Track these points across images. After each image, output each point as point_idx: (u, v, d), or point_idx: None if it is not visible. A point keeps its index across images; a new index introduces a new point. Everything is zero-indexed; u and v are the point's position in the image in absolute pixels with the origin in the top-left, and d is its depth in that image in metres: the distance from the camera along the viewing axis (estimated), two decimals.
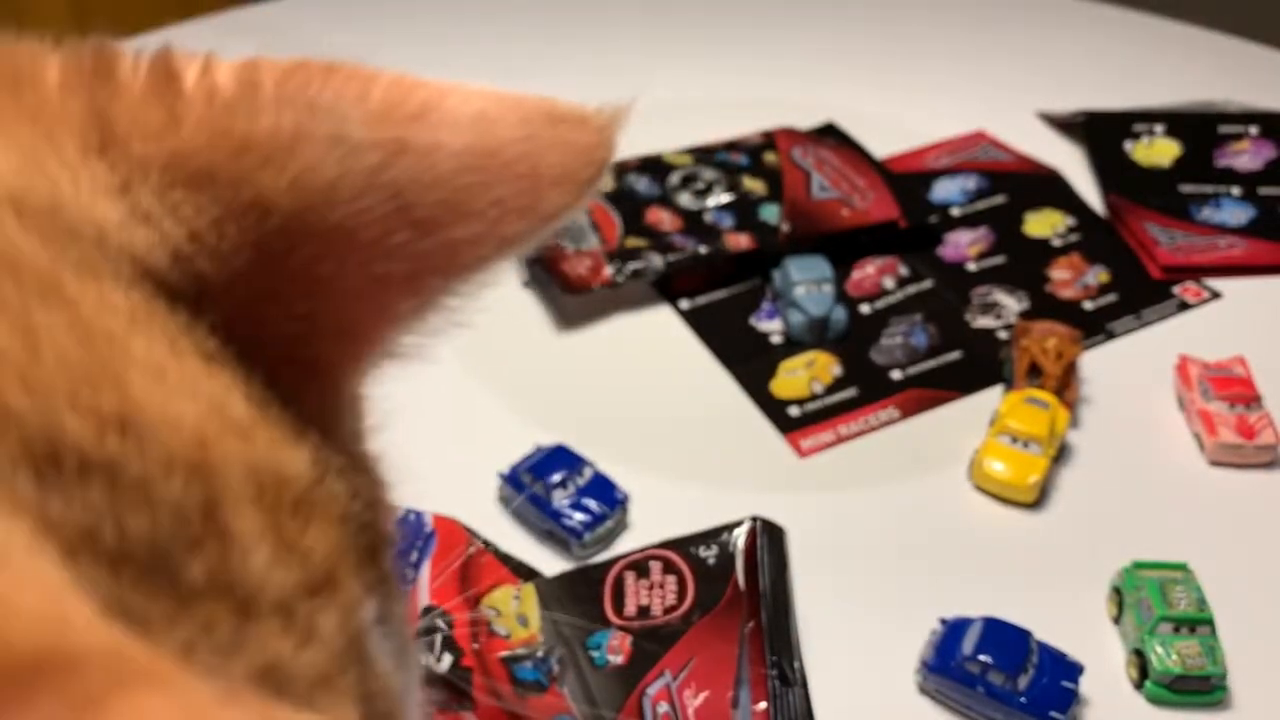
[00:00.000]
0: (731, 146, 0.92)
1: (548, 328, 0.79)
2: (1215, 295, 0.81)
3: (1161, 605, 0.56)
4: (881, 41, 1.13)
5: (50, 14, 1.58)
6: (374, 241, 0.23)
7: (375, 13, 1.18)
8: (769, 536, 0.60)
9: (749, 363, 0.76)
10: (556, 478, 0.64)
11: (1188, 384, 0.71)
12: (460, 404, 0.73)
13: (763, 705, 0.53)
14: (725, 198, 0.86)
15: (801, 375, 0.75)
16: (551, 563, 0.62)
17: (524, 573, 0.61)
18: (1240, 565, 0.62)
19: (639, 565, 0.59)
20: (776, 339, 0.78)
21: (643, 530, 0.64)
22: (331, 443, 0.23)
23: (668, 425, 0.72)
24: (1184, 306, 0.80)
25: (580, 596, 0.58)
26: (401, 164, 0.23)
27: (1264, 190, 0.89)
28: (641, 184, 0.87)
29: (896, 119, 0.99)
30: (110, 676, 0.14)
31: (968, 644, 0.55)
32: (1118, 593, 0.59)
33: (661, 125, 0.96)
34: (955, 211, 0.89)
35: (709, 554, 0.59)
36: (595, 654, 0.56)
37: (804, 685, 0.55)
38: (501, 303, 0.81)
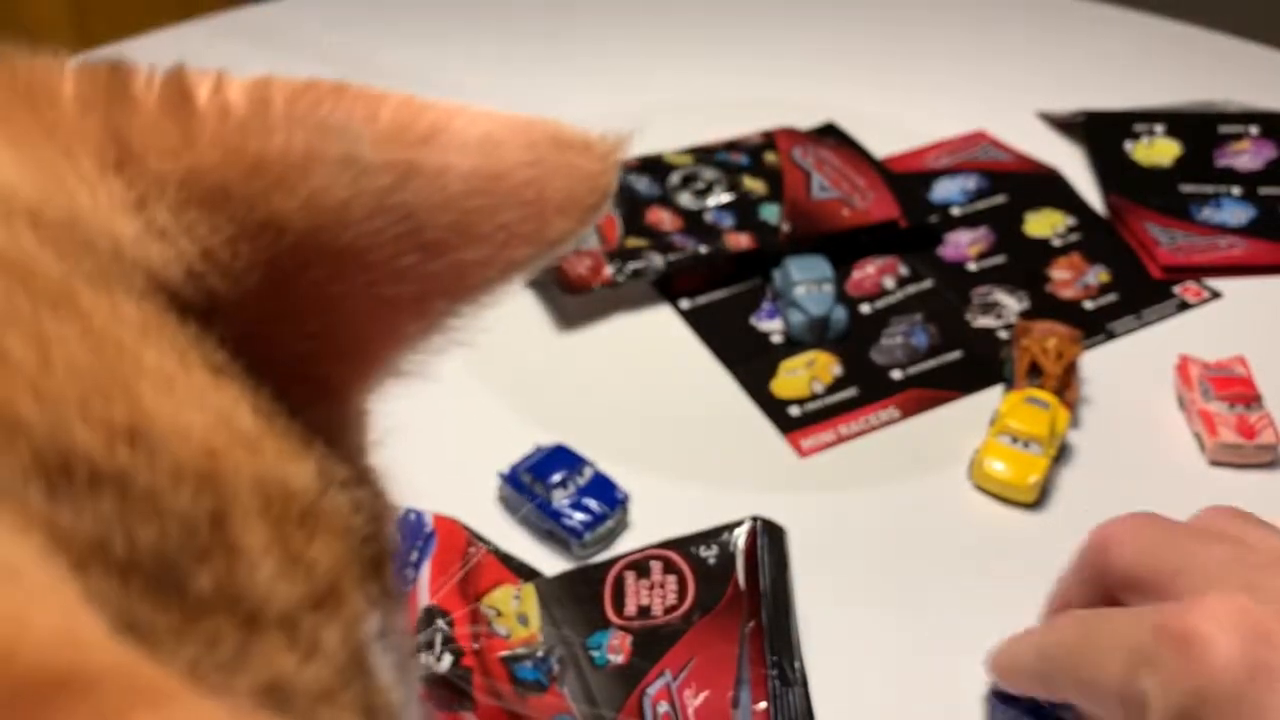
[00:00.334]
0: (731, 146, 0.92)
1: (548, 328, 0.79)
2: (1215, 295, 0.81)
3: None
4: (881, 41, 1.13)
5: (50, 14, 1.58)
6: (384, 263, 0.23)
7: (375, 13, 1.18)
8: (769, 536, 0.60)
9: (749, 363, 0.76)
10: (556, 478, 0.64)
11: (1188, 384, 0.71)
12: (460, 404, 0.73)
13: (763, 705, 0.53)
14: (725, 198, 0.86)
15: (802, 375, 0.75)
16: (551, 563, 0.62)
17: (524, 573, 0.61)
18: None
19: (639, 565, 0.59)
20: (777, 339, 0.78)
21: (643, 530, 0.64)
22: (337, 457, 0.23)
23: (668, 425, 0.72)
24: (1184, 306, 0.80)
25: (580, 596, 0.58)
26: (412, 186, 0.23)
27: (1264, 190, 0.89)
28: (642, 184, 0.87)
29: (896, 119, 0.99)
30: (125, 697, 0.14)
31: None
32: None
33: (661, 125, 0.96)
34: (955, 211, 0.89)
35: (709, 554, 0.59)
36: (595, 654, 0.56)
37: (804, 685, 0.55)
38: (501, 302, 0.81)
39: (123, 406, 0.18)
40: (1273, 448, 0.68)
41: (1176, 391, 0.73)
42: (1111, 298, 0.80)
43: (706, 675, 0.54)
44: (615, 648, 0.56)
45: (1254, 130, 0.93)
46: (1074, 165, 0.93)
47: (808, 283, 0.77)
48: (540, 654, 0.55)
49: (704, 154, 0.91)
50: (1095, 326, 0.78)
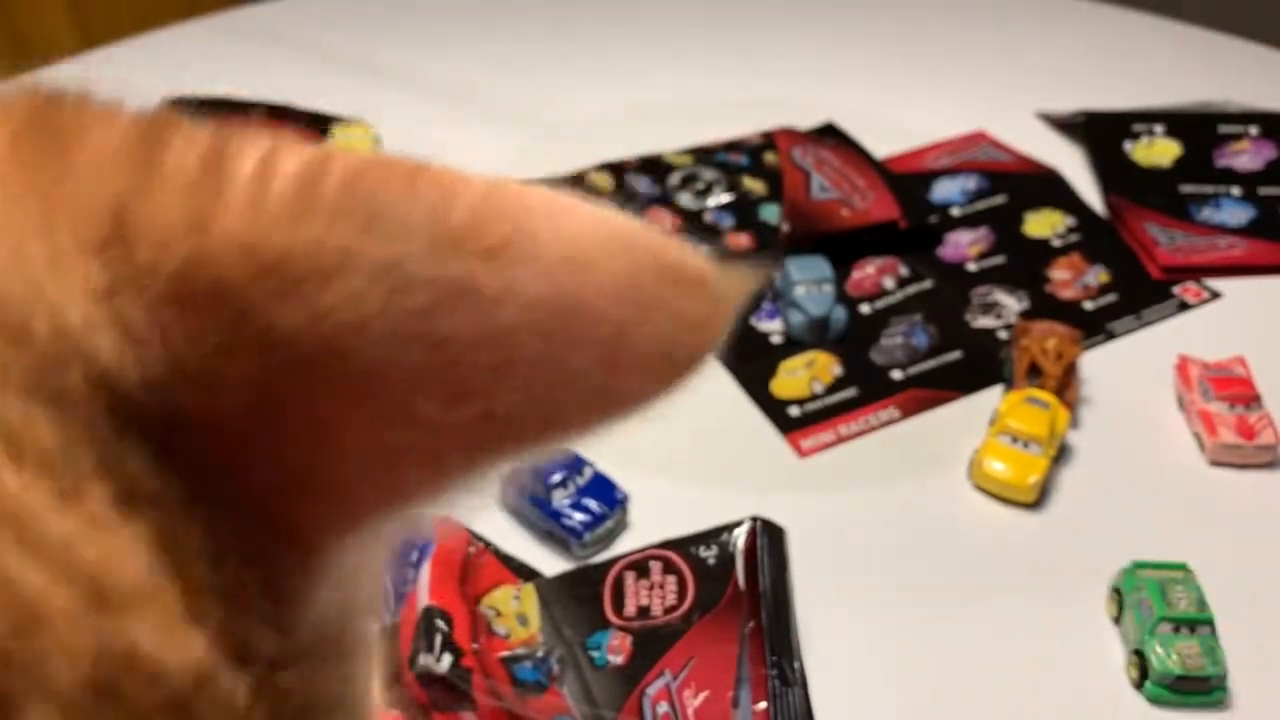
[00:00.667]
0: (731, 146, 0.92)
1: None
2: (1215, 295, 0.81)
3: (1161, 605, 0.56)
4: (881, 41, 1.13)
5: (50, 14, 1.58)
6: (396, 400, 0.19)
7: (375, 13, 1.18)
8: (769, 536, 0.60)
9: (749, 363, 0.76)
10: (556, 478, 0.64)
11: (1188, 384, 0.71)
12: None
13: (763, 705, 0.53)
14: (725, 198, 0.86)
15: (802, 375, 0.75)
16: (551, 563, 0.62)
17: (524, 573, 0.61)
18: (1240, 565, 0.62)
19: (639, 565, 0.59)
20: (776, 339, 0.78)
21: (643, 530, 0.64)
22: (280, 624, 0.19)
23: (668, 425, 0.72)
24: (1184, 306, 0.80)
25: (580, 596, 0.58)
26: (456, 310, 0.19)
27: (1264, 190, 0.89)
28: (642, 184, 0.87)
29: (896, 119, 0.99)
30: None
31: None
32: (1118, 593, 0.59)
33: (661, 125, 0.96)
34: (955, 211, 0.89)
35: (709, 554, 0.59)
36: (595, 654, 0.56)
37: (804, 685, 0.55)
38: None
39: None
40: (1272, 448, 0.68)
41: (1176, 392, 0.73)
42: (1111, 298, 0.80)
43: (706, 675, 0.54)
44: (615, 648, 0.56)
45: (1254, 130, 0.93)
46: (1074, 165, 0.93)
47: (807, 283, 0.77)
48: (540, 654, 0.55)
49: (704, 154, 0.91)
50: (1095, 326, 0.78)
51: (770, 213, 0.84)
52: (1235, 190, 0.89)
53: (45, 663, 0.16)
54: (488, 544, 0.62)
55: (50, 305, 0.17)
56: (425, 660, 0.53)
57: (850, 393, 0.74)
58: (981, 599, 0.61)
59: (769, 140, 0.92)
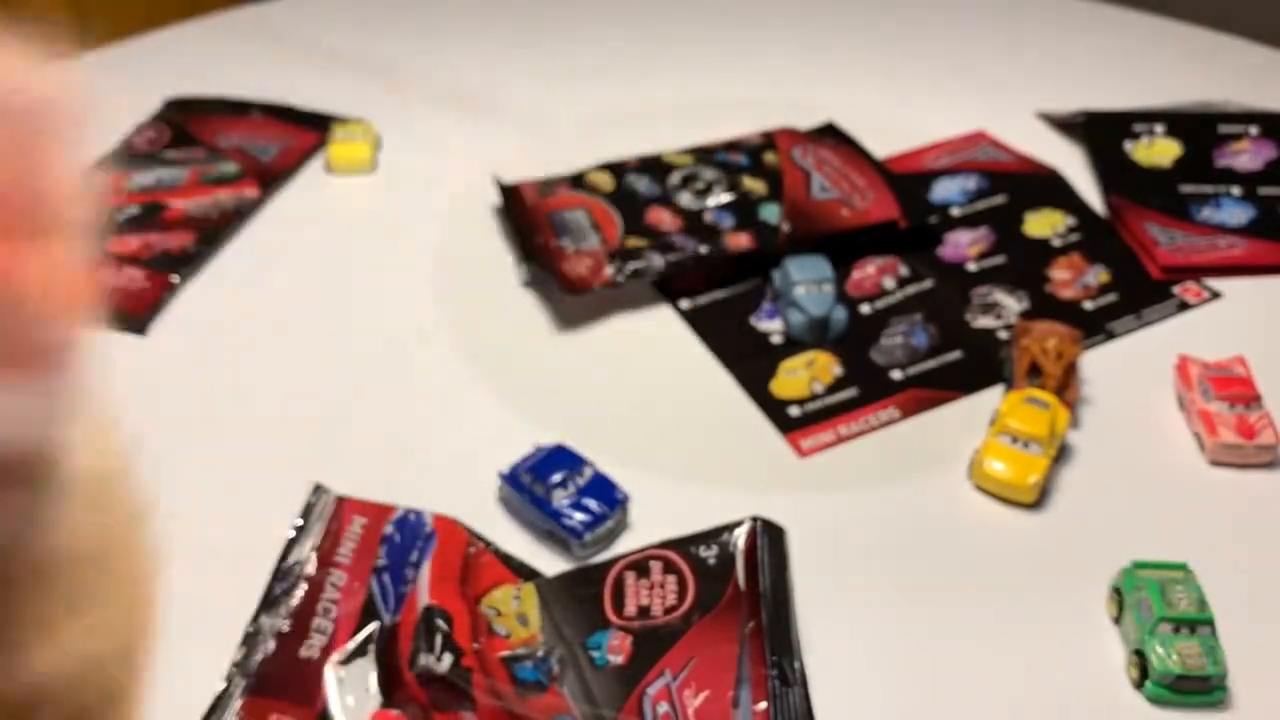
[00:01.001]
0: (731, 146, 0.92)
1: (548, 328, 0.79)
2: (1215, 295, 0.81)
3: (1161, 605, 0.56)
4: (881, 41, 1.13)
5: (50, 14, 1.58)
6: None
7: (375, 13, 1.18)
8: (769, 536, 0.60)
9: (749, 363, 0.76)
10: (556, 478, 0.64)
11: (1188, 384, 0.71)
12: (460, 404, 0.73)
13: (763, 705, 0.53)
14: (725, 198, 0.86)
15: (801, 375, 0.75)
16: (551, 563, 0.62)
17: (524, 573, 0.61)
18: (1240, 565, 0.62)
19: (639, 565, 0.59)
20: (776, 339, 0.78)
21: (643, 530, 0.64)
22: None
23: (668, 425, 0.72)
24: (1184, 306, 0.80)
25: (580, 596, 0.58)
26: None
27: (1264, 190, 0.89)
28: (642, 184, 0.87)
29: (896, 119, 0.99)
30: None
31: None
32: (1118, 593, 0.59)
33: (661, 125, 0.96)
34: (955, 211, 0.89)
35: (709, 554, 0.59)
36: (595, 654, 0.56)
37: (804, 685, 0.55)
38: (501, 303, 0.81)
39: None
40: (1273, 448, 0.68)
41: (1176, 391, 0.73)
42: (1111, 298, 0.80)
43: (706, 675, 0.54)
44: (615, 648, 0.56)
45: (1254, 130, 0.93)
46: (1074, 165, 0.93)
47: (807, 283, 0.77)
48: (540, 654, 0.55)
49: (704, 154, 0.91)
50: (1095, 326, 0.78)
51: (770, 213, 0.84)
52: (1235, 190, 0.89)
53: None
54: (488, 544, 0.62)
55: None
56: (425, 660, 0.53)
57: (850, 393, 0.74)
58: (981, 599, 0.61)
59: (769, 140, 0.92)
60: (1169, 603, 0.56)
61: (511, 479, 0.65)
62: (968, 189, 0.91)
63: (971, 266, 0.84)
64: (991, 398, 0.72)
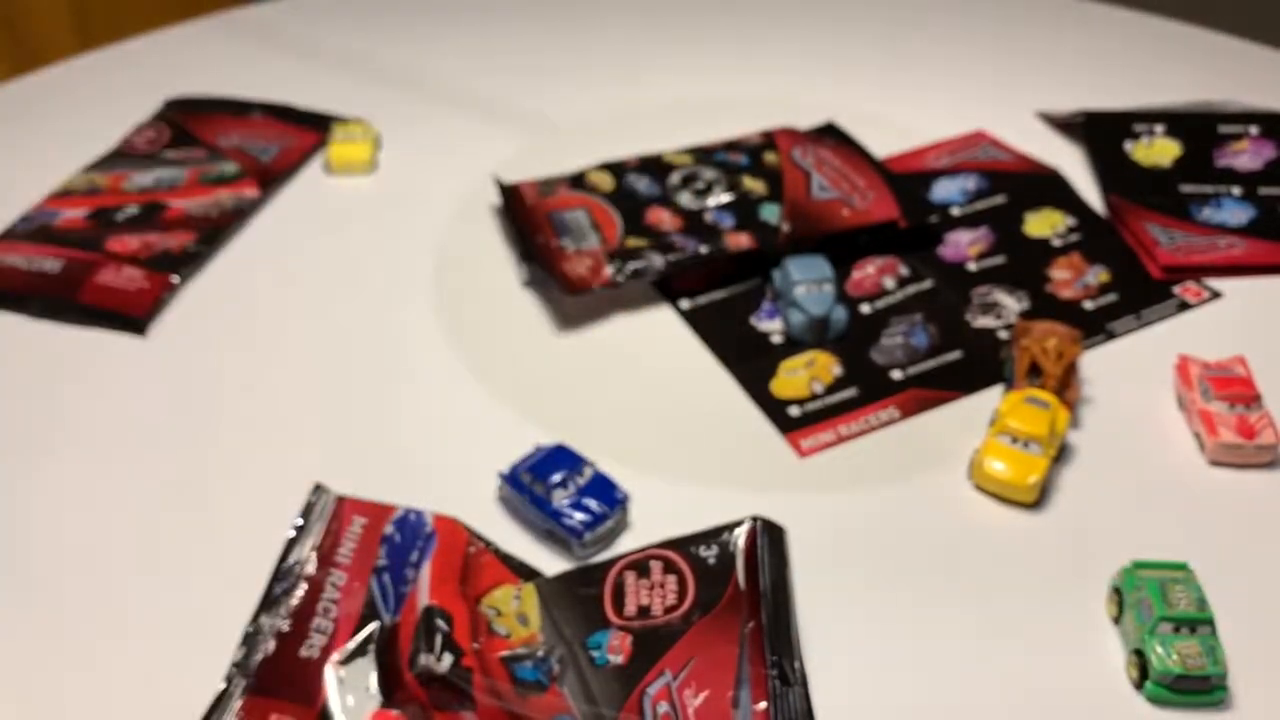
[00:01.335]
0: (731, 146, 0.92)
1: (548, 328, 0.79)
2: (1215, 295, 0.81)
3: (1161, 605, 0.56)
4: (881, 41, 1.13)
5: (50, 14, 1.58)
6: None
7: (375, 13, 1.18)
8: (769, 536, 0.60)
9: (749, 363, 0.76)
10: (556, 478, 0.64)
11: (1188, 384, 0.71)
12: (460, 404, 0.73)
13: (763, 705, 0.53)
14: (725, 198, 0.86)
15: (801, 375, 0.75)
16: (551, 563, 0.62)
17: (524, 573, 0.61)
18: (1240, 565, 0.62)
19: (639, 565, 0.59)
20: (776, 339, 0.78)
21: (643, 530, 0.64)
22: None
23: (668, 425, 0.72)
24: (1184, 306, 0.80)
25: (580, 596, 0.58)
26: None
27: (1264, 190, 0.89)
28: (642, 184, 0.87)
29: (896, 119, 0.99)
30: None
31: None
32: (1118, 593, 0.59)
33: (661, 125, 0.96)
34: (955, 211, 0.89)
35: (709, 554, 0.59)
36: (595, 654, 0.56)
37: (804, 685, 0.55)
38: (501, 303, 0.81)
39: None
40: (1273, 448, 0.68)
41: (1176, 391, 0.73)
42: (1111, 298, 0.81)
43: (706, 675, 0.54)
44: (615, 648, 0.56)
45: (1254, 130, 0.93)
46: (1074, 165, 0.94)
47: (808, 283, 0.77)
48: (540, 654, 0.56)
49: (704, 154, 0.91)
50: (1095, 326, 0.78)
51: (770, 213, 0.84)
52: (1235, 190, 0.89)
53: None
54: (488, 544, 0.62)
55: None
56: (425, 660, 0.53)
57: (850, 393, 0.74)
58: (981, 599, 0.61)
59: (769, 140, 0.92)
60: (1169, 603, 0.57)
61: (511, 479, 0.65)
62: (968, 189, 0.91)
63: (971, 266, 0.84)
64: (991, 398, 0.72)
